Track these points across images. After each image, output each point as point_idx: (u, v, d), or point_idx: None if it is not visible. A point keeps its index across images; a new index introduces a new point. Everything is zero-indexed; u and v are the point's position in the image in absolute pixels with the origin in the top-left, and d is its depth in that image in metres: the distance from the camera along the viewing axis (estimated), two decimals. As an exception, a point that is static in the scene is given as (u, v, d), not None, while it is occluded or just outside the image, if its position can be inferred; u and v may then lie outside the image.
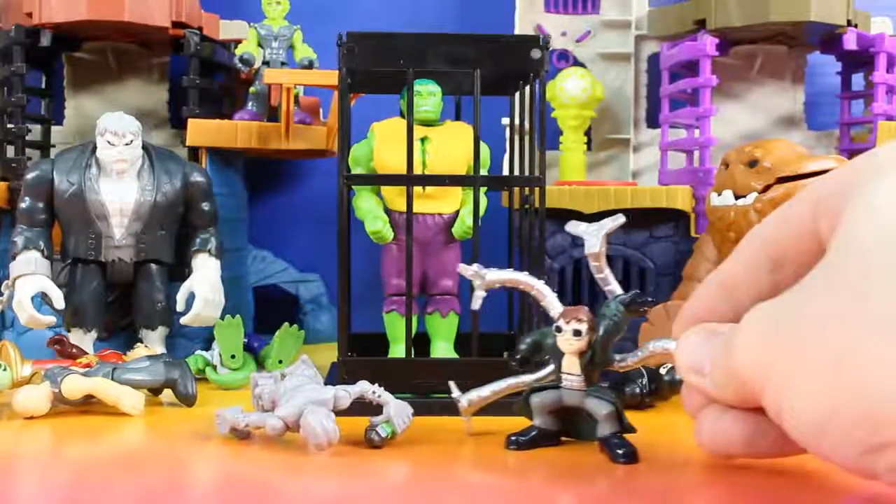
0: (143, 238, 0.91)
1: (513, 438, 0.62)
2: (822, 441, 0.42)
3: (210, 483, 0.57)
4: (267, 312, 1.14)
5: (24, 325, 0.89)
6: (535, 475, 0.56)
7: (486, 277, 0.63)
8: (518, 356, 0.63)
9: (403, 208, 0.74)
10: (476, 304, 0.64)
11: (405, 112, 0.75)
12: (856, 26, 1.00)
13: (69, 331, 0.90)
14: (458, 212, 0.78)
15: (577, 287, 1.02)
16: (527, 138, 0.79)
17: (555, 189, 0.99)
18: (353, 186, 0.77)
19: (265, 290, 1.19)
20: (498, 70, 0.75)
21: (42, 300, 0.88)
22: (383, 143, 0.77)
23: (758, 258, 0.52)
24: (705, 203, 0.90)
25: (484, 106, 0.74)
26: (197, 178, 0.93)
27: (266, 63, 1.04)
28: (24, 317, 0.86)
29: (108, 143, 0.89)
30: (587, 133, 1.09)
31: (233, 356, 0.86)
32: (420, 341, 0.78)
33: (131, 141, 0.89)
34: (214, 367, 0.87)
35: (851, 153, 1.02)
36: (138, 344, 0.90)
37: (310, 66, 1.04)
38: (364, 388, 0.64)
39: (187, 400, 0.76)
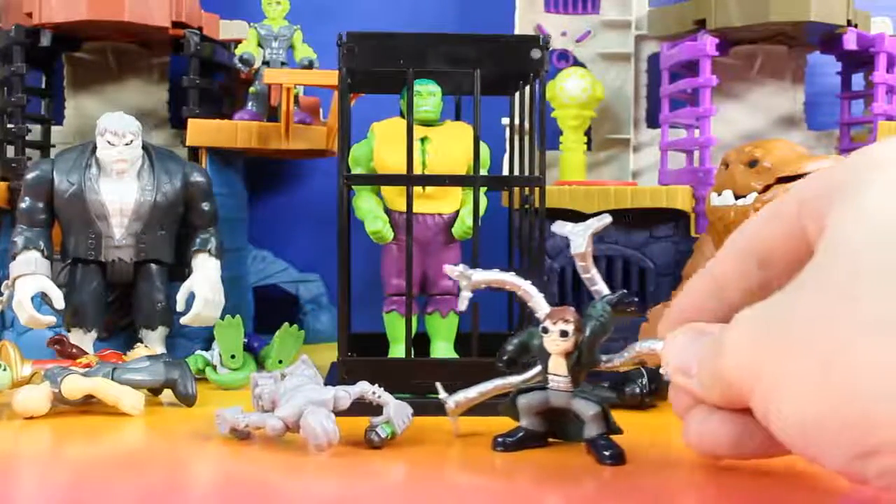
0: (143, 238, 0.91)
1: (500, 440, 0.62)
2: (811, 444, 0.41)
3: (210, 483, 0.57)
4: (267, 312, 1.14)
5: (24, 325, 0.89)
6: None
7: (472, 278, 0.62)
8: (505, 357, 0.63)
9: (403, 208, 0.74)
10: (462, 304, 0.63)
11: (405, 112, 0.75)
12: (856, 26, 1.00)
13: (69, 331, 0.90)
14: (458, 212, 0.78)
15: (578, 287, 1.02)
16: (527, 138, 0.79)
17: (555, 189, 0.99)
18: (353, 186, 0.77)
19: (265, 290, 1.19)
20: (498, 70, 0.75)
21: (42, 300, 0.88)
22: (383, 143, 0.77)
23: (746, 255, 0.52)
24: (705, 203, 0.90)
25: (484, 106, 0.74)
26: (197, 178, 0.93)
27: (266, 63, 1.04)
28: (24, 317, 0.86)
29: (108, 143, 0.89)
30: (587, 133, 1.09)
31: (233, 356, 0.86)
32: (420, 341, 0.78)
33: (131, 141, 0.89)
34: (214, 367, 0.87)
35: (851, 153, 1.02)
36: (138, 344, 0.90)
37: (310, 66, 1.04)
38: (364, 388, 0.64)
39: (187, 400, 0.76)
